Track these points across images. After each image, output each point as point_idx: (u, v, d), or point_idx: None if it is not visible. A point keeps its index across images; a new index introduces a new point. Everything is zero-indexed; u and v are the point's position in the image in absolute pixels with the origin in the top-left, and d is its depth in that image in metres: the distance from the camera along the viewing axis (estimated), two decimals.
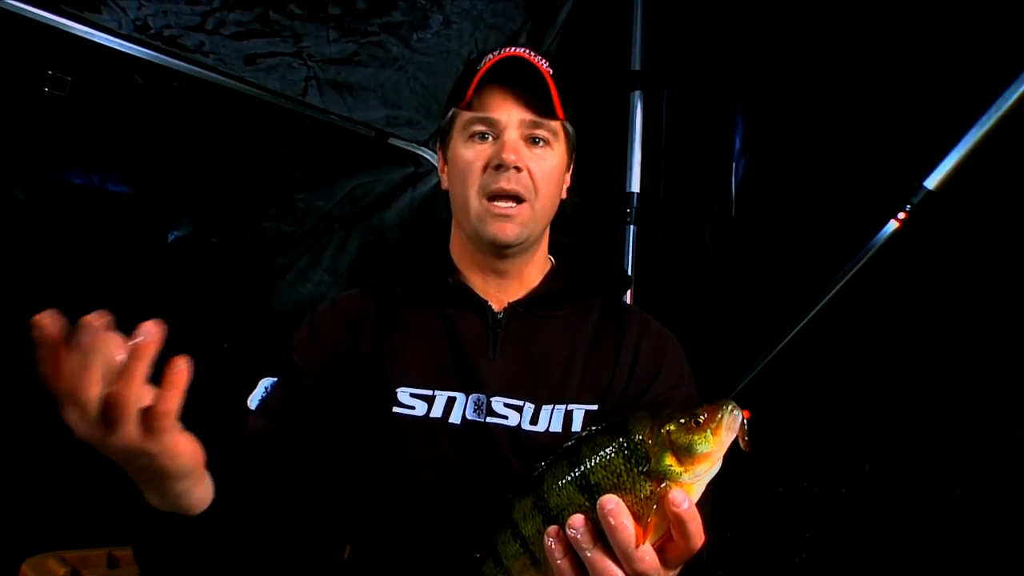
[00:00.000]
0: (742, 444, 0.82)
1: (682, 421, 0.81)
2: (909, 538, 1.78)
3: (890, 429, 1.85)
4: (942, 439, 1.75)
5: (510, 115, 1.25)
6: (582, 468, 0.83)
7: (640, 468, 0.81)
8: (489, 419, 1.22)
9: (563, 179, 1.36)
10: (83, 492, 2.16)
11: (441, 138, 1.37)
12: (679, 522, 0.78)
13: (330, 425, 1.25)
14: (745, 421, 0.81)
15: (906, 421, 1.82)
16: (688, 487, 0.80)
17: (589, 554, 0.79)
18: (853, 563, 1.88)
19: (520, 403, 1.24)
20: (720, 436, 0.80)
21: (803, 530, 1.97)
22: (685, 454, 0.80)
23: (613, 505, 0.77)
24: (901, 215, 1.84)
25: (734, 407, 0.81)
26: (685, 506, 0.77)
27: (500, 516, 0.89)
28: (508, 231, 1.25)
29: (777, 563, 2.01)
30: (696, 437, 0.80)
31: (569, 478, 0.83)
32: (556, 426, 1.23)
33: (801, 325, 2.02)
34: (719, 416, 0.80)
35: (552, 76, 1.25)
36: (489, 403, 1.23)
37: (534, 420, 1.23)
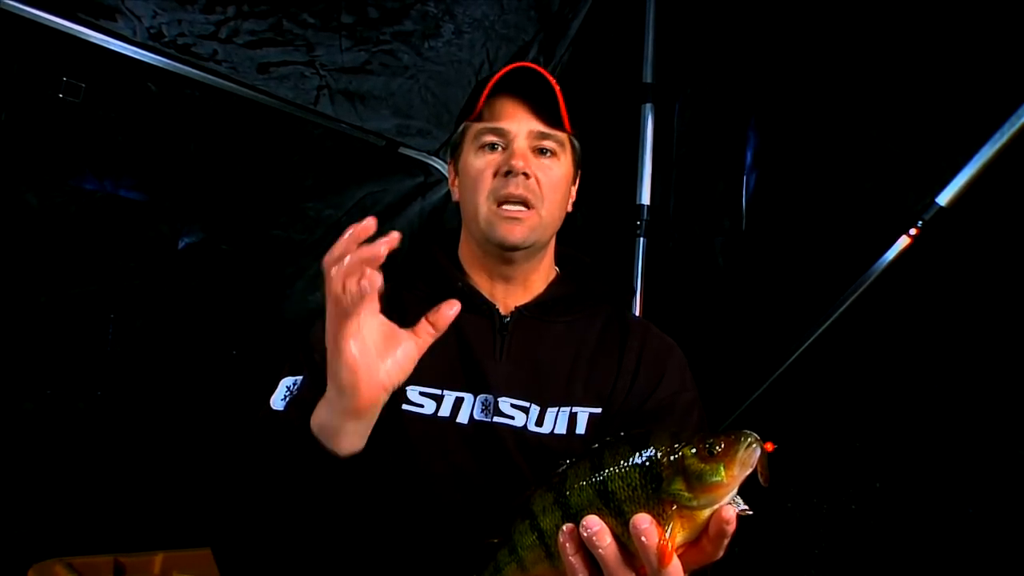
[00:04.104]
0: (760, 479, 0.80)
1: (698, 448, 0.79)
2: (921, 556, 1.76)
3: (902, 445, 1.84)
4: (955, 456, 1.74)
5: (519, 126, 1.31)
6: (602, 474, 0.84)
7: (653, 486, 0.81)
8: (496, 419, 1.26)
9: (569, 191, 1.41)
10: (90, 498, 2.17)
11: (452, 151, 1.43)
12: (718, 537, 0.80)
13: None
14: (766, 455, 0.79)
15: (918, 438, 1.81)
16: (697, 514, 0.79)
17: (602, 551, 0.81)
18: None
19: (526, 404, 1.27)
20: (733, 471, 0.78)
21: (812, 547, 1.95)
22: (696, 481, 0.78)
23: (647, 525, 0.78)
24: (913, 231, 1.84)
25: (754, 441, 0.78)
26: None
27: (520, 507, 0.91)
28: (516, 233, 1.29)
29: None
30: (708, 467, 0.78)
31: (589, 481, 0.85)
32: (561, 428, 1.26)
33: (811, 340, 2.01)
34: (735, 450, 0.78)
35: (560, 89, 1.31)
36: (496, 403, 1.27)
37: (539, 422, 1.27)
